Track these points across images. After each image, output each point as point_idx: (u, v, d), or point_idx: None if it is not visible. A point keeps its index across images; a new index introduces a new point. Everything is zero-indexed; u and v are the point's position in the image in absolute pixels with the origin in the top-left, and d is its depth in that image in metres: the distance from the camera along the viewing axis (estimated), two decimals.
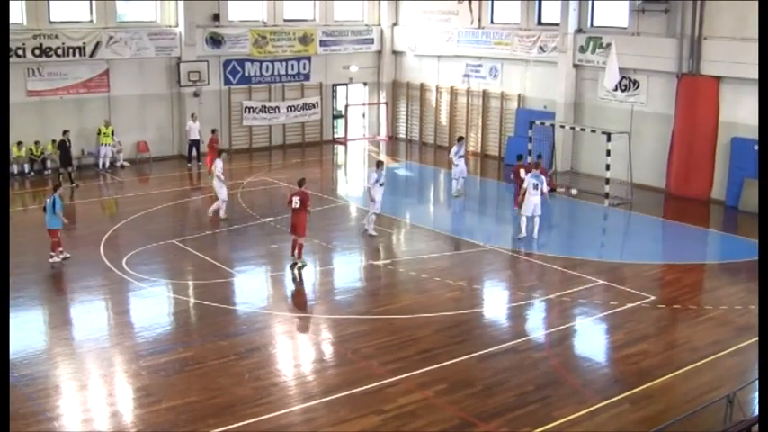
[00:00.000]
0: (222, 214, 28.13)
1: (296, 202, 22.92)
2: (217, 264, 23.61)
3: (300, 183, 23.56)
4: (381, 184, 27.20)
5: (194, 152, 37.42)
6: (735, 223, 29.72)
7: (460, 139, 34.00)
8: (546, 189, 26.98)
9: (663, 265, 24.74)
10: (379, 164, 27.92)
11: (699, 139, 31.94)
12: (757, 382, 15.67)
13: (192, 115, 37.65)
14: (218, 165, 28.62)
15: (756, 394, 15.42)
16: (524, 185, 26.82)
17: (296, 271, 22.96)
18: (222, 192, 28.30)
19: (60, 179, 30.94)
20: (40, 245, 24.10)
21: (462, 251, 25.74)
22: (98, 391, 16.07)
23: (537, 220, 26.90)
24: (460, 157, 32.22)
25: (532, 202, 26.59)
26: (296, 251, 23.19)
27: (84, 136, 36.09)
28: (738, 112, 30.94)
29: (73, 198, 31.05)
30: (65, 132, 32.93)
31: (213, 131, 34.54)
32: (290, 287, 22.52)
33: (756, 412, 13.16)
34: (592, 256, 25.37)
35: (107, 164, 36.22)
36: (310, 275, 22.81)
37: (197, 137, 37.32)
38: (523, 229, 26.81)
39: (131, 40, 36.70)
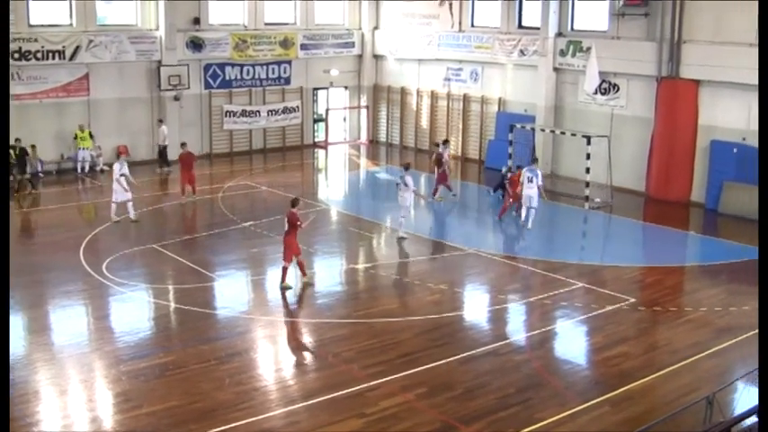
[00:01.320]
0: (131, 214, 28.11)
1: (285, 225, 22.20)
2: (197, 268, 23.54)
3: (293, 203, 22.47)
4: (400, 185, 27.58)
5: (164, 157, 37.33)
6: (714, 226, 29.87)
7: (445, 141, 34.11)
8: (541, 183, 28.40)
9: (643, 267, 24.85)
10: (407, 166, 28.42)
11: (678, 143, 32.09)
12: (739, 382, 15.81)
13: (161, 120, 37.56)
14: (116, 168, 28.48)
15: (736, 395, 15.55)
16: (520, 180, 28.56)
17: (291, 285, 22.24)
18: (123, 194, 28.19)
19: (18, 186, 31.15)
20: (16, 250, 23.99)
21: (443, 254, 25.76)
22: (78, 397, 15.99)
23: (532, 212, 28.08)
24: (444, 160, 32.31)
25: (527, 194, 28.07)
26: (284, 277, 22.17)
27: (64, 140, 35.94)
28: (717, 116, 31.13)
29: (23, 204, 31.00)
30: (17, 140, 32.60)
31: (183, 145, 32.79)
32: (271, 291, 22.46)
33: (736, 413, 13.23)
34: (572, 258, 25.42)
35: (86, 168, 36.05)
36: (291, 279, 22.74)
37: (166, 142, 37.24)
38: (524, 217, 28.54)
39: (111, 44, 36.57)
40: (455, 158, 39.36)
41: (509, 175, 30.37)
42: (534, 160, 30.57)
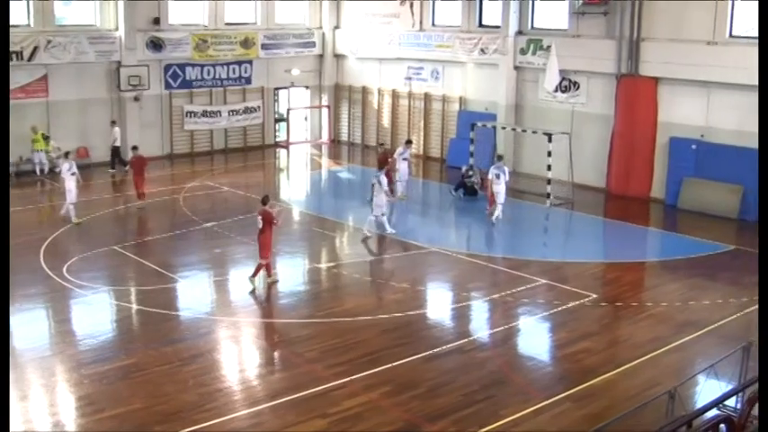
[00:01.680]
0: (73, 218, 27.92)
1: (259, 222, 22.17)
2: (159, 269, 23.39)
3: (264, 200, 22.62)
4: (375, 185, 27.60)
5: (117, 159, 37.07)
6: (674, 221, 30.12)
7: (408, 142, 34.12)
8: (508, 179, 28.98)
9: (604, 263, 25.07)
10: (382, 166, 29.69)
11: (638, 139, 32.35)
12: (700, 376, 15.95)
13: (113, 122, 37.25)
14: (66, 168, 28.30)
15: (698, 389, 15.68)
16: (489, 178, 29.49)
17: (256, 285, 22.23)
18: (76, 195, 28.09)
19: None
20: None
21: (406, 253, 25.78)
22: (39, 401, 15.82)
23: (499, 207, 28.64)
24: (404, 159, 32.31)
25: (495, 190, 28.74)
26: (256, 274, 22.23)
27: (23, 142, 35.51)
28: (676, 113, 31.41)
29: None
30: None
31: (134, 149, 32.05)
32: (233, 292, 22.38)
33: (697, 406, 13.36)
34: (535, 255, 25.54)
35: (45, 170, 35.66)
36: (256, 279, 22.64)
37: (118, 143, 36.94)
38: (497, 214, 28.81)
39: (70, 45, 36.23)
40: (417, 157, 39.42)
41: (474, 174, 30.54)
42: (500, 157, 30.75)
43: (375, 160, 40.20)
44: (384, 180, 27.60)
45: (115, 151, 36.97)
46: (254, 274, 22.13)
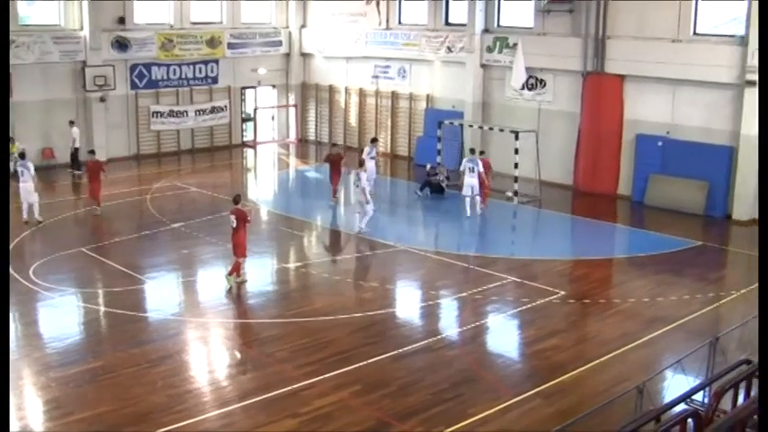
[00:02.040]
0: (37, 216, 27.84)
1: (232, 221, 22.07)
2: (127, 271, 23.24)
3: (236, 200, 22.52)
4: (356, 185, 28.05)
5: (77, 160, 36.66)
6: (641, 218, 30.34)
7: (374, 140, 34.13)
8: (481, 170, 29.46)
9: (572, 260, 25.16)
10: (362, 163, 29.45)
11: (605, 137, 32.55)
12: (668, 371, 16.06)
13: (72, 122, 36.88)
14: (30, 167, 28.30)
15: (666, 384, 15.80)
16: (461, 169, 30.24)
17: (233, 284, 22.11)
18: (33, 195, 27.96)
19: None
20: None
21: (374, 252, 25.80)
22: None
23: (477, 199, 29.32)
24: (372, 158, 32.32)
25: (469, 183, 29.26)
26: (234, 272, 22.16)
27: None
28: (642, 110, 31.64)
29: None
30: None
31: (90, 153, 31.73)
32: (202, 293, 22.30)
33: (666, 401, 13.45)
34: (503, 253, 25.63)
35: (11, 171, 35.24)
36: (222, 280, 22.58)
37: (78, 144, 36.58)
38: (468, 209, 29.61)
39: (34, 45, 35.94)
40: (384, 156, 39.45)
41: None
42: (472, 151, 31.31)
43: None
44: (363, 176, 27.69)
45: (75, 153, 36.55)
46: (231, 273, 22.07)
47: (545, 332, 19.19)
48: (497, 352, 18.58)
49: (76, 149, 36.53)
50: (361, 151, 33.89)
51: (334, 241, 27.01)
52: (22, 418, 15.11)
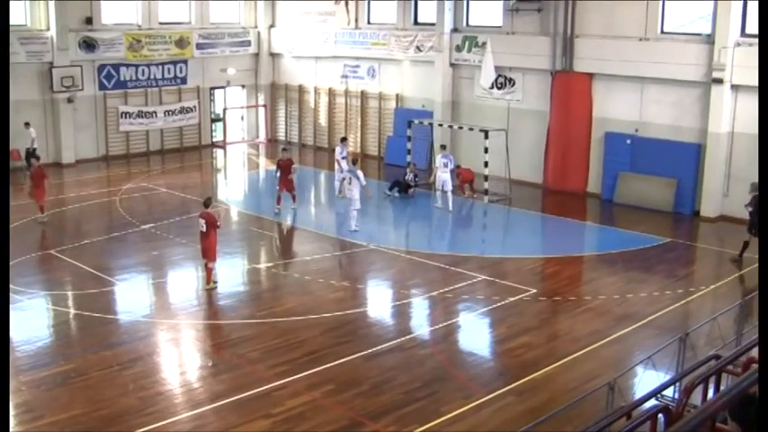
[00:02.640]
0: None
1: (201, 225, 21.84)
2: (96, 273, 23.13)
3: (206, 203, 22.34)
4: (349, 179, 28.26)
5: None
6: (611, 215, 30.54)
7: (343, 139, 34.14)
8: (453, 166, 30.28)
9: (543, 258, 25.29)
10: (355, 160, 29.98)
11: (574, 135, 32.73)
12: (638, 367, 16.19)
13: (27, 123, 36.29)
14: None
15: (636, 380, 15.93)
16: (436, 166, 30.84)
17: (214, 285, 22.02)
18: None
19: None
20: None
21: (345, 251, 25.84)
22: None
23: (449, 195, 29.75)
24: (344, 157, 32.34)
25: (441, 178, 29.83)
26: (208, 275, 21.97)
27: None
28: (611, 108, 31.84)
29: None
30: None
31: (36, 159, 31.29)
32: (172, 294, 22.23)
33: (636, 397, 13.55)
34: (473, 251, 25.74)
35: None
36: (193, 281, 22.53)
37: (35, 145, 36.11)
38: (439, 201, 30.29)
39: None
40: (354, 156, 39.43)
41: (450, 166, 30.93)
42: (443, 147, 31.88)
43: (312, 158, 40.40)
44: (361, 174, 27.87)
45: (31, 153, 36.00)
46: (208, 280, 21.93)
47: (516, 330, 19.29)
48: (469, 350, 18.66)
49: (34, 149, 36.02)
50: (332, 151, 33.83)
51: (305, 241, 26.98)
52: None
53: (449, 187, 29.84)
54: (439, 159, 30.62)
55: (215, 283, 22.08)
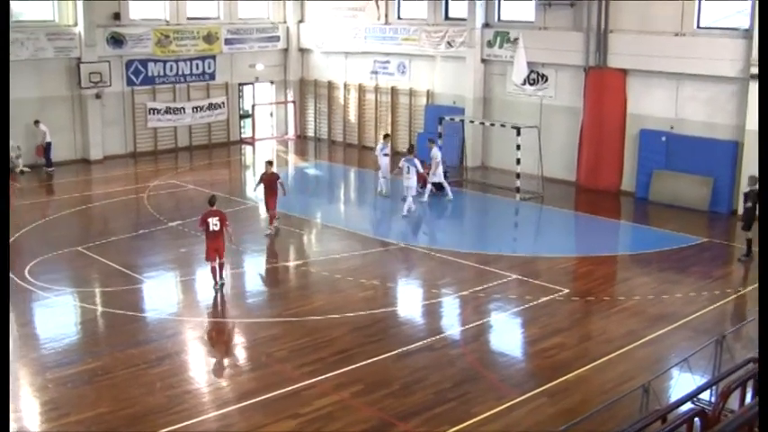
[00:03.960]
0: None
1: (214, 223, 21.68)
2: (124, 270, 23.23)
3: (212, 201, 22.17)
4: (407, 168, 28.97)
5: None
6: (645, 214, 30.30)
7: (386, 136, 34.07)
8: (421, 170, 29.88)
9: (575, 257, 25.13)
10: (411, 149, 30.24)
11: (607, 132, 32.49)
12: (674, 370, 16.05)
13: (37, 121, 36.31)
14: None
15: (672, 383, 15.79)
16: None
17: (223, 279, 22.03)
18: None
19: None
20: None
21: (375, 250, 25.76)
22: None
23: (410, 200, 29.24)
24: (385, 155, 32.30)
25: (405, 184, 29.48)
26: (221, 273, 21.90)
27: None
28: (646, 105, 31.58)
29: None
30: None
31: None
32: (200, 292, 22.26)
33: (672, 400, 13.43)
34: (505, 250, 25.60)
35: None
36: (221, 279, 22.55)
37: (48, 138, 36.25)
38: (404, 209, 29.31)
39: (28, 41, 35.86)
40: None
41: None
42: (410, 150, 31.45)
43: (342, 155, 40.36)
44: (418, 163, 28.76)
45: (47, 147, 36.29)
46: (220, 276, 21.92)
47: (548, 330, 19.18)
48: (501, 351, 18.56)
49: (49, 144, 36.22)
50: (363, 148, 33.75)
51: (335, 239, 26.94)
52: (19, 420, 15.09)
53: (411, 193, 29.22)
54: (402, 163, 29.76)
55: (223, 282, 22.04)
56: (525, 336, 19.49)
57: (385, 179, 32.10)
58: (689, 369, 14.98)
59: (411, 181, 29.23)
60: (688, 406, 11.79)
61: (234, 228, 23.09)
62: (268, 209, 27.12)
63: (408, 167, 29.26)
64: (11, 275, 22.31)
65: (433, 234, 28.90)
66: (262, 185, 27.36)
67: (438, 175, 30.80)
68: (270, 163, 27.86)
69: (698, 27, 29.90)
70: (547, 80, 34.66)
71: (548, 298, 21.12)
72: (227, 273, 22.31)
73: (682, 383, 15.08)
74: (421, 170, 29.67)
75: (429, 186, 30.79)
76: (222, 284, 21.88)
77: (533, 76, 34.90)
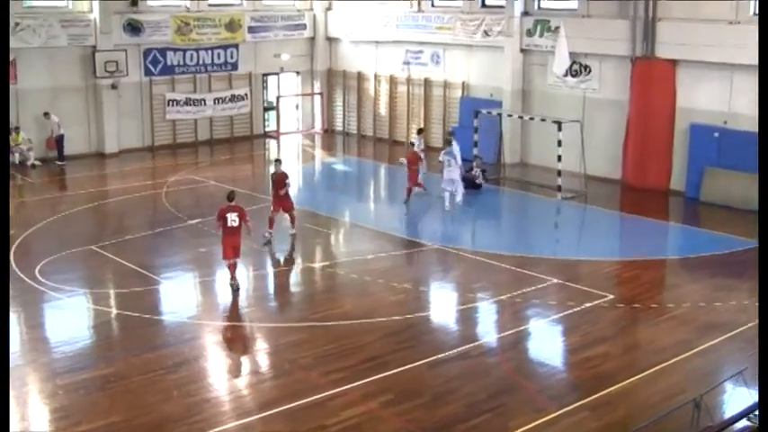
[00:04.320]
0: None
1: (233, 219, 21.72)
2: (140, 270, 23.26)
3: (231, 196, 22.26)
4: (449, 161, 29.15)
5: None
6: (696, 215, 30.07)
7: (420, 131, 33.96)
8: (460, 163, 29.90)
9: (621, 261, 24.93)
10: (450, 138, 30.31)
11: (656, 127, 32.23)
12: (727, 383, 15.87)
13: (47, 113, 36.56)
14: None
15: (725, 397, 15.60)
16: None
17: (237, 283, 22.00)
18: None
19: None
20: None
21: (407, 251, 25.71)
22: (11, 414, 15.66)
23: (459, 191, 29.52)
24: (422, 150, 32.25)
25: (447, 176, 29.48)
26: (232, 273, 21.97)
27: None
28: (697, 98, 31.27)
29: None
30: None
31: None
32: (220, 294, 22.23)
33: (725, 416, 13.28)
34: (545, 253, 25.42)
35: (16, 162, 35.33)
36: (242, 281, 22.53)
37: (61, 131, 36.55)
38: (447, 204, 29.43)
39: (41, 28, 36.04)
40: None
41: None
42: (449, 141, 30.90)
43: (372, 151, 40.34)
44: (458, 154, 29.19)
45: (60, 140, 36.54)
46: (233, 277, 21.91)
47: (591, 339, 19.00)
48: (540, 360, 18.40)
49: (61, 136, 36.42)
50: (393, 143, 33.65)
51: (364, 239, 26.89)
52: (26, 429, 15.10)
53: (455, 187, 29.42)
54: (442, 156, 29.89)
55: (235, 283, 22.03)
56: (566, 344, 19.30)
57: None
58: (744, 383, 14.81)
59: (453, 173, 29.26)
60: (743, 423, 11.66)
61: (254, 225, 23.05)
62: (285, 210, 26.43)
63: (449, 160, 29.29)
64: (21, 275, 22.42)
65: (469, 235, 28.79)
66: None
67: (453, 174, 30.30)
68: (279, 161, 27.46)
69: (754, 14, 29.59)
70: (590, 71, 34.42)
71: (591, 304, 20.93)
72: (249, 274, 22.27)
73: (736, 398, 14.89)
74: (459, 162, 29.77)
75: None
76: (233, 285, 21.86)
77: (576, 67, 34.69)
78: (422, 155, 32.19)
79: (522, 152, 37.02)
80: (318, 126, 45.54)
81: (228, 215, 21.78)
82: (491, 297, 21.74)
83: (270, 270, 24.01)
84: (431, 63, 40.61)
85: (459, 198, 29.33)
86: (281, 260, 25.13)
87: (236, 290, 21.73)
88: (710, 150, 30.66)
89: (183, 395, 16.17)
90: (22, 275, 22.54)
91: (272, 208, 26.50)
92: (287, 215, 26.53)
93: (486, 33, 37.66)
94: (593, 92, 34.48)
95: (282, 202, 26.29)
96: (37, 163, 35.88)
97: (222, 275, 22.70)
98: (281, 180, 26.34)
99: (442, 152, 30.09)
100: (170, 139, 40.70)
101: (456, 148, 30.07)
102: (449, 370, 17.39)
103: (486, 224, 30.11)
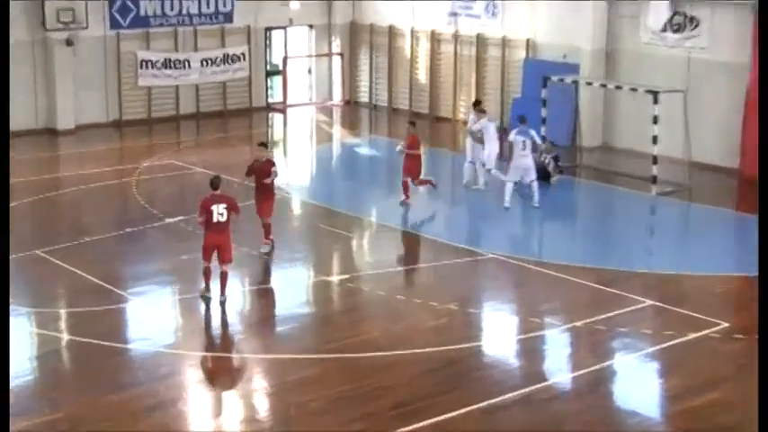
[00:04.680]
0: None
1: (220, 212, 21.74)
2: (101, 284, 23.25)
3: (215, 183, 22.20)
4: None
5: None
6: None
7: (476, 103, 33.70)
8: (540, 142, 30.50)
9: (737, 277, 24.71)
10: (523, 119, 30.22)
11: None
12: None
13: None
14: None
15: None
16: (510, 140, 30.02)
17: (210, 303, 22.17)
18: None
19: None
20: None
21: (452, 261, 25.60)
22: None
23: (535, 185, 29.50)
24: (478, 129, 32.09)
25: (521, 164, 29.41)
26: (223, 286, 22.01)
27: None
28: None
29: None
30: None
31: None
32: (206, 316, 22.19)
33: None
34: (636, 266, 25.34)
35: None
36: (238, 297, 22.43)
37: None
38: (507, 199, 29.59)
39: None
40: (464, 125, 39.11)
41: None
42: (521, 119, 30.50)
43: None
44: (535, 135, 29.61)
45: None
46: (222, 291, 21.97)
47: (701, 381, 18.79)
48: (630, 408, 18.16)
49: None
50: (438, 119, 33.49)
51: (396, 245, 26.81)
52: None
53: (531, 177, 29.43)
54: (513, 136, 29.69)
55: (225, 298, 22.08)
56: (665, 388, 19.11)
57: (471, 164, 31.76)
58: None
59: (528, 160, 29.25)
60: None
61: (254, 222, 22.99)
62: (260, 215, 25.60)
63: (524, 142, 29.08)
64: None
65: (536, 241, 28.71)
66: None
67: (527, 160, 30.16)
68: (263, 145, 27.07)
69: None
70: (698, 25, 34.23)
71: (698, 334, 20.73)
72: (243, 290, 22.16)
73: None
74: (539, 142, 30.22)
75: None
76: (223, 301, 21.90)
77: (678, 19, 34.51)
78: (493, 134, 31.86)
79: (605, 132, 37.05)
80: (337, 97, 45.70)
81: (214, 207, 21.74)
82: (564, 323, 21.58)
83: (273, 284, 23.91)
84: (485, 15, 40.62)
85: (507, 199, 29.37)
86: (287, 272, 25.01)
87: (221, 303, 21.83)
88: None
89: None
90: None
91: (260, 212, 25.81)
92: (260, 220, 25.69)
93: None
94: (701, 52, 34.29)
95: (262, 201, 25.57)
96: None
97: (211, 290, 22.68)
98: (265, 171, 25.50)
99: (513, 131, 29.79)
100: (143, 113, 40.95)
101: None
102: (507, 418, 17.25)
103: (557, 227, 30.13)
